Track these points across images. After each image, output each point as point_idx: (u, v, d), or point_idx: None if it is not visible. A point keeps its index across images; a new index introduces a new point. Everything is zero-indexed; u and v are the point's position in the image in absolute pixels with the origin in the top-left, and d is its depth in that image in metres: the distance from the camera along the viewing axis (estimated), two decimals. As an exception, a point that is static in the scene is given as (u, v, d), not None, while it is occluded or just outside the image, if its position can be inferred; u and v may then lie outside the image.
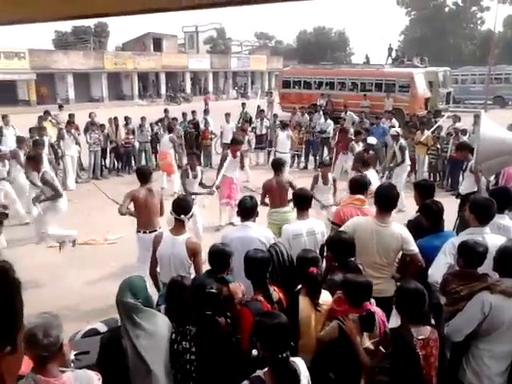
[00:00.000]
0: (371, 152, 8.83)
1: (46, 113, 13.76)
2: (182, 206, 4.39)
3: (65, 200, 7.01)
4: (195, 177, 7.48)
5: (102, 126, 13.37)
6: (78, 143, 12.47)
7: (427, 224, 4.21)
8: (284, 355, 2.49)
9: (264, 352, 2.56)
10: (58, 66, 33.68)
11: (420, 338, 2.89)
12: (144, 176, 5.90)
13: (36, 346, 2.21)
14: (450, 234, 4.19)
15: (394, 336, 3.00)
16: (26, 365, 2.34)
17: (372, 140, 9.91)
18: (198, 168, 7.65)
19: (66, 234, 7.09)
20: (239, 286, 3.65)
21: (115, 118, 13.74)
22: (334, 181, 7.61)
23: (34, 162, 6.97)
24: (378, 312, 3.26)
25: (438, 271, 3.61)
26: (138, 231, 5.88)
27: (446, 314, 3.35)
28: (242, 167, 9.57)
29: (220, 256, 3.68)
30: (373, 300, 3.33)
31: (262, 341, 2.59)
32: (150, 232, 5.73)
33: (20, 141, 10.02)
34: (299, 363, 2.62)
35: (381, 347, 3.02)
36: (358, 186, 5.21)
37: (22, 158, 9.16)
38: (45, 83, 34.02)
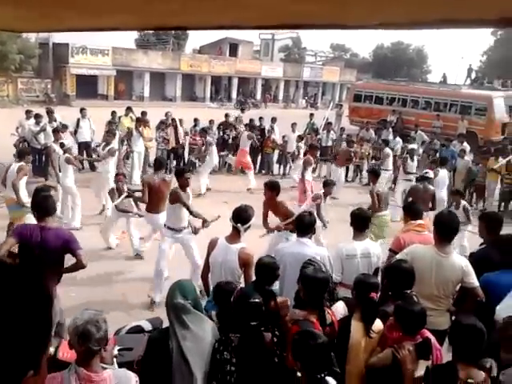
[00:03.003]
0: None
1: (128, 109, 14.29)
2: (240, 215, 4.37)
3: None
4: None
5: (168, 126, 13.53)
6: (147, 140, 12.87)
7: (499, 258, 3.95)
8: (322, 375, 2.43)
9: (301, 371, 2.52)
10: (137, 64, 35.06)
11: (469, 381, 2.69)
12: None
13: (89, 341, 2.29)
14: None
15: (435, 372, 2.82)
16: (72, 353, 2.43)
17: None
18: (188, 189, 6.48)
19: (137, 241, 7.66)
20: (286, 300, 3.61)
21: (173, 119, 13.76)
22: None
23: None
24: (433, 339, 3.12)
25: (506, 310, 3.37)
26: None
27: (502, 360, 3.12)
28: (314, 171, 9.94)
29: (268, 269, 3.65)
30: None
31: (302, 360, 2.55)
32: None
33: None
34: (331, 383, 2.57)
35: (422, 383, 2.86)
36: (415, 210, 5.03)
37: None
38: (123, 80, 35.48)
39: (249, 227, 4.46)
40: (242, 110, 17.88)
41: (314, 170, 12.45)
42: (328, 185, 7.90)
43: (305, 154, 12.93)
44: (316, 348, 2.55)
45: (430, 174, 8.57)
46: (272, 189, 6.14)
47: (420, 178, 8.40)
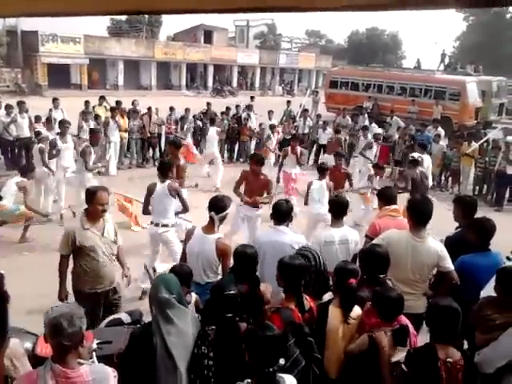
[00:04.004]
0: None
1: (102, 98, 14.04)
2: (215, 204, 4.34)
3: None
4: None
5: (144, 114, 13.39)
6: (123, 130, 12.67)
7: (475, 241, 4.02)
8: (270, 370, 2.43)
9: (251, 362, 2.52)
10: (110, 52, 34.36)
11: (448, 360, 2.75)
12: None
13: (60, 335, 2.25)
14: (497, 255, 4.02)
15: (416, 354, 2.87)
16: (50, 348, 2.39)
17: None
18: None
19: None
20: (268, 286, 3.62)
21: (149, 109, 13.55)
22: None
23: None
24: (410, 325, 3.16)
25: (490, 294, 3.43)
26: None
27: (477, 341, 3.19)
28: (299, 163, 9.78)
29: (249, 258, 3.62)
30: None
31: (250, 352, 2.54)
32: None
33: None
34: (287, 380, 2.54)
35: (403, 366, 2.91)
36: (389, 196, 5.05)
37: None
38: (96, 68, 34.80)
39: (225, 217, 4.43)
40: (252, 99, 17.45)
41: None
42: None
43: (279, 145, 12.90)
44: (262, 340, 2.50)
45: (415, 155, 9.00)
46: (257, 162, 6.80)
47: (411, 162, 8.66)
